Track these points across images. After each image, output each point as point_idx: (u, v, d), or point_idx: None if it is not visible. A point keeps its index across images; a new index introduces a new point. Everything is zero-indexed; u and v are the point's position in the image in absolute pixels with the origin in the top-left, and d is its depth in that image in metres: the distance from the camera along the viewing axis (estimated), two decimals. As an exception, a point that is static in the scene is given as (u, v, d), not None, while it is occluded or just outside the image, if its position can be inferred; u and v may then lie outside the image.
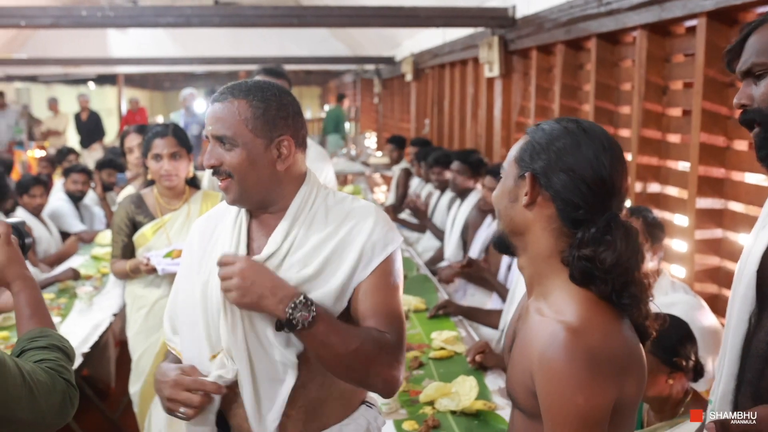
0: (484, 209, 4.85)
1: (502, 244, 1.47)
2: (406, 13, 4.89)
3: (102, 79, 18.53)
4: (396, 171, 7.73)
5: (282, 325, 1.54)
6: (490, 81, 6.08)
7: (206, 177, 3.42)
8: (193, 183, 3.21)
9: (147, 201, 3.14)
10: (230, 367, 1.61)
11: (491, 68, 5.64)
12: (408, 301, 3.70)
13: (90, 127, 12.83)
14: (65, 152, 6.95)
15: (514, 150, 1.43)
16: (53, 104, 12.91)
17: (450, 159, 5.29)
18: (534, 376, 1.32)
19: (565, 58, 4.58)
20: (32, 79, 16.65)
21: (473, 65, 6.78)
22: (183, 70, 16.33)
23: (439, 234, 5.63)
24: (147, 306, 3.09)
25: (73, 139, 13.45)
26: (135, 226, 3.11)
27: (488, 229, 4.71)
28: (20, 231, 1.70)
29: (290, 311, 1.51)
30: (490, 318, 3.58)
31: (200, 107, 11.69)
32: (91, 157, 12.78)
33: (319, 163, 3.33)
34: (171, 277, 3.00)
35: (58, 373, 1.44)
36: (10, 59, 11.58)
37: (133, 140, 3.85)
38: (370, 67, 13.17)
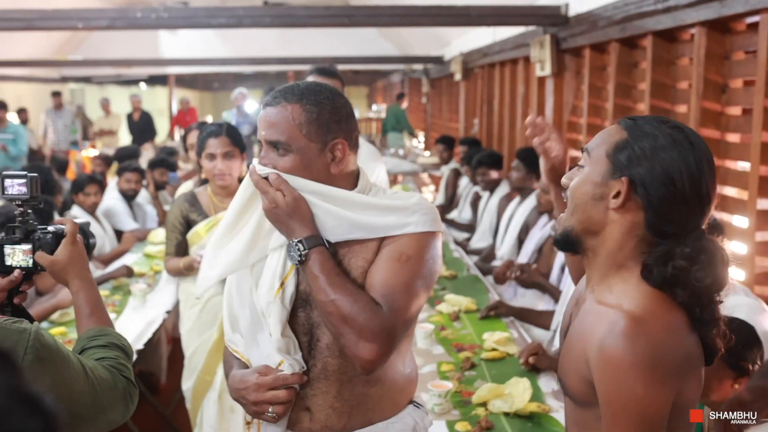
0: (540, 210, 4.78)
1: (567, 242, 1.40)
2: (457, 12, 4.86)
3: (153, 80, 18.85)
4: (445, 171, 7.71)
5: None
6: (541, 80, 6.02)
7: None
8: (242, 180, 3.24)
9: (201, 199, 3.17)
10: (297, 361, 1.61)
11: (542, 67, 5.57)
12: (459, 302, 3.68)
13: (142, 127, 13.06)
14: (129, 153, 7.06)
15: (606, 143, 1.36)
16: (105, 104, 13.18)
17: (494, 159, 5.26)
18: (591, 363, 1.29)
19: (620, 56, 4.50)
20: (86, 80, 17.02)
21: (524, 64, 6.72)
22: (232, 70, 16.52)
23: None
24: (200, 303, 3.12)
25: (125, 139, 13.72)
26: (189, 224, 3.15)
27: (542, 229, 4.66)
28: (85, 231, 1.74)
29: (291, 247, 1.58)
30: (541, 319, 3.54)
31: (251, 107, 11.82)
32: (142, 157, 13.02)
33: (372, 163, 3.33)
34: (224, 274, 3.03)
35: (119, 371, 1.46)
36: (67, 61, 11.85)
37: (196, 137, 3.89)
38: (418, 66, 13.16)
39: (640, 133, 1.32)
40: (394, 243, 1.60)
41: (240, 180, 3.19)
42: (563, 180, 1.44)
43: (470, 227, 6.26)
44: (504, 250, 5.05)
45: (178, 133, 15.35)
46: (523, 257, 4.53)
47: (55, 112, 12.24)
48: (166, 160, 6.44)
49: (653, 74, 4.04)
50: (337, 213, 1.61)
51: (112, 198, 5.78)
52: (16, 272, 1.63)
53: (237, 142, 3.11)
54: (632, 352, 1.23)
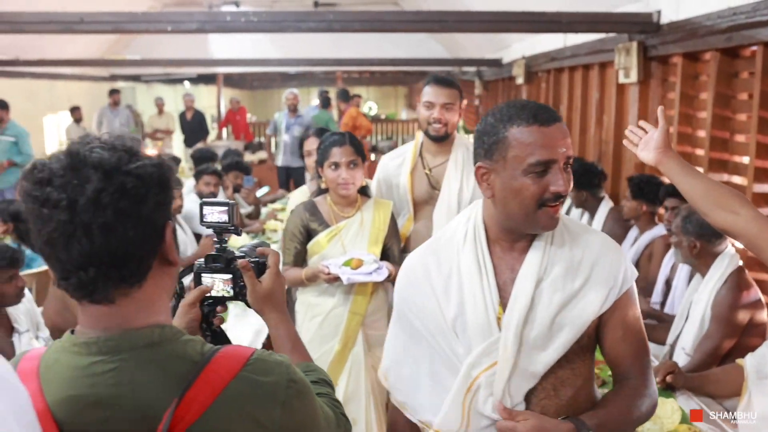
0: (625, 219, 4.70)
1: None
2: (549, 18, 4.80)
3: (199, 78, 18.98)
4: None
5: None
6: (622, 87, 5.94)
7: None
8: (364, 191, 3.22)
9: (321, 208, 3.16)
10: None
11: (627, 74, 5.48)
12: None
13: (194, 127, 13.14)
14: (207, 155, 7.06)
15: None
16: (160, 104, 13.26)
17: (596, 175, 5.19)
18: None
19: (720, 65, 4.41)
20: (135, 78, 17.18)
21: (599, 70, 6.63)
22: (281, 70, 16.58)
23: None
24: (322, 314, 3.10)
25: (177, 138, 13.83)
26: (309, 234, 3.13)
27: (633, 246, 4.59)
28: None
29: None
30: (657, 333, 3.48)
31: (302, 108, 11.82)
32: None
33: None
34: (346, 286, 3.02)
35: (335, 407, 1.43)
36: (122, 60, 11.95)
37: (312, 144, 3.90)
38: (470, 68, 13.09)
39: None
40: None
41: (361, 189, 3.17)
42: None
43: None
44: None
45: (225, 132, 15.47)
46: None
47: (111, 110, 12.35)
48: (240, 163, 6.46)
49: (762, 85, 3.96)
50: None
51: (190, 201, 5.79)
52: (208, 281, 1.61)
53: (360, 151, 3.09)
54: None
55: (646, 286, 4.27)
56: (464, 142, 3.36)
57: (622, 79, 5.63)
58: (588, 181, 5.12)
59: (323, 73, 17.07)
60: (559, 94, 8.07)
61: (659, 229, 4.45)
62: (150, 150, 11.09)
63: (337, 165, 3.04)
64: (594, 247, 1.71)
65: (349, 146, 3.06)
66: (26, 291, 3.28)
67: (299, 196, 3.88)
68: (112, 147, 1.16)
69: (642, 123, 2.23)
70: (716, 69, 4.43)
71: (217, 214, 1.62)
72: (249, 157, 14.01)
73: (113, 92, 12.43)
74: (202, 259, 1.64)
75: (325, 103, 12.80)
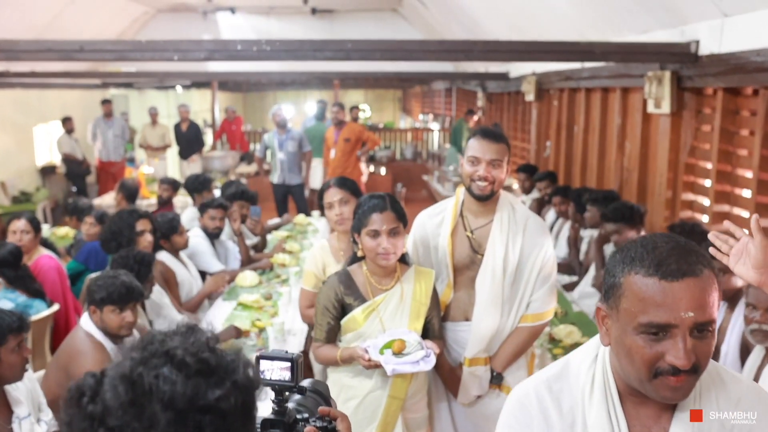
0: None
1: None
2: (581, 48, 4.51)
3: (191, 83, 18.56)
4: (527, 201, 7.34)
5: None
6: (650, 116, 5.66)
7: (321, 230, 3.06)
8: (403, 258, 2.91)
9: (356, 279, 2.84)
10: None
11: (658, 104, 5.20)
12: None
13: (190, 138, 12.77)
14: (203, 181, 6.68)
15: None
16: (154, 114, 12.86)
17: (633, 214, 4.80)
18: None
19: (768, 103, 4.13)
20: (127, 85, 16.75)
21: (621, 94, 6.35)
22: (276, 75, 16.20)
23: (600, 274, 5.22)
24: (358, 398, 2.79)
25: (172, 150, 13.44)
26: (344, 308, 2.82)
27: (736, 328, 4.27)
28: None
29: None
30: None
31: (291, 122, 11.45)
32: (190, 169, 12.71)
33: (539, 238, 2.99)
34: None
35: None
36: (119, 73, 11.56)
37: (334, 195, 3.49)
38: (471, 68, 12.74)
39: None
40: None
41: (402, 258, 2.86)
42: None
43: (570, 268, 5.90)
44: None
45: (220, 143, 15.10)
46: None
47: (105, 121, 11.94)
48: (245, 192, 6.12)
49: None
50: None
51: (195, 236, 5.46)
52: None
53: (401, 216, 2.79)
54: None
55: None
56: (509, 201, 3.06)
57: (651, 109, 5.35)
58: (624, 220, 4.77)
59: (318, 75, 16.71)
60: (573, 115, 7.78)
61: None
62: (148, 168, 10.73)
63: (376, 233, 2.73)
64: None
65: (391, 212, 2.75)
66: (28, 366, 2.95)
67: (319, 253, 3.53)
68: (185, 365, 0.85)
69: (728, 225, 1.89)
70: (766, 107, 4.15)
71: (278, 371, 1.36)
72: (245, 169, 13.67)
73: (105, 102, 12.02)
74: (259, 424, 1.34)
75: (320, 115, 12.46)
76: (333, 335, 2.86)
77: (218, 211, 5.47)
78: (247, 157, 14.40)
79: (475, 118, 12.09)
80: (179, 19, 14.32)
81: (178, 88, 18.80)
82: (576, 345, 3.98)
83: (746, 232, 1.80)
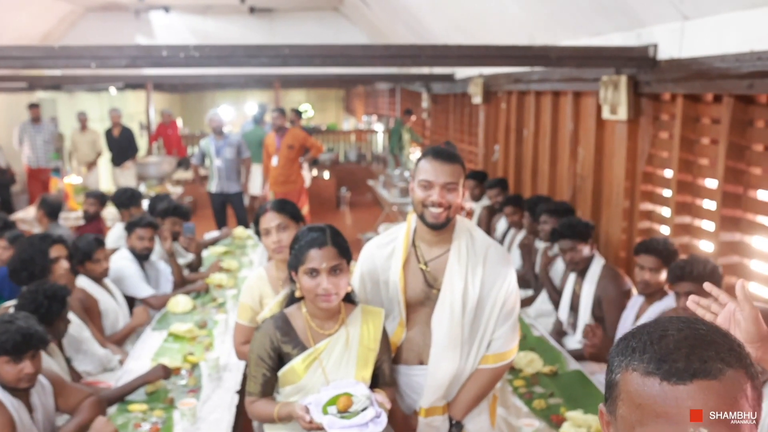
0: (642, 292, 4.03)
1: None
2: (534, 53, 4.22)
3: (127, 86, 17.86)
4: (477, 209, 7.06)
5: None
6: (604, 122, 5.41)
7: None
8: (349, 298, 2.55)
9: (294, 324, 2.48)
10: None
11: (614, 110, 4.95)
12: (587, 422, 3.05)
13: (123, 144, 12.18)
14: (131, 196, 6.17)
15: None
16: (83, 119, 12.21)
17: (585, 231, 4.48)
18: None
19: (734, 112, 3.90)
20: (55, 87, 15.98)
21: (573, 99, 6.10)
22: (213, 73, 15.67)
23: (555, 297, 4.95)
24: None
25: (103, 158, 12.80)
26: (281, 358, 2.46)
27: (635, 314, 4.04)
28: None
29: None
30: None
31: (231, 124, 10.98)
32: (123, 177, 12.13)
33: (502, 269, 2.68)
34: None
35: None
36: (44, 77, 10.91)
37: (272, 220, 3.07)
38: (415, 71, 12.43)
39: None
40: None
41: (347, 296, 2.51)
42: None
43: (525, 280, 5.62)
44: (581, 329, 4.43)
45: (156, 147, 14.49)
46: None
47: (33, 126, 11.31)
48: (178, 208, 5.68)
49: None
50: None
51: (122, 258, 5.01)
52: None
53: (344, 251, 2.43)
54: None
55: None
56: (467, 228, 2.73)
57: (607, 115, 5.09)
58: (578, 236, 4.51)
59: (258, 77, 16.22)
60: (522, 118, 7.53)
61: (669, 301, 3.88)
62: (77, 178, 10.12)
63: (315, 272, 2.37)
64: None
65: (332, 247, 2.39)
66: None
67: (256, 283, 3.15)
68: None
69: (709, 288, 1.60)
70: (730, 116, 3.92)
71: None
72: (182, 175, 13.11)
73: (33, 106, 11.36)
74: None
75: (260, 118, 12.01)
76: (269, 388, 2.49)
77: (147, 230, 5.02)
78: (184, 163, 13.80)
79: (413, 118, 11.79)
80: (109, 18, 13.71)
81: (112, 90, 18.06)
82: (538, 375, 3.68)
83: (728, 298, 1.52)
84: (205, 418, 3.21)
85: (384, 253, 2.75)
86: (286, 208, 3.13)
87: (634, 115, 4.86)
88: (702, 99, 4.33)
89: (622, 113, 4.86)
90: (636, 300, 4.10)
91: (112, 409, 3.29)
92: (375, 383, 2.56)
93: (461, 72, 9.56)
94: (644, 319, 3.98)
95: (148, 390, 3.49)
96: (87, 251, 4.39)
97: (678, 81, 4.28)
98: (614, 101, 4.89)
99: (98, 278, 4.51)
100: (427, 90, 12.01)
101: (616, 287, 4.38)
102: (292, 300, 2.55)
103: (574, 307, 4.63)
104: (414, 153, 12.59)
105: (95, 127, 13.02)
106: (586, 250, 4.43)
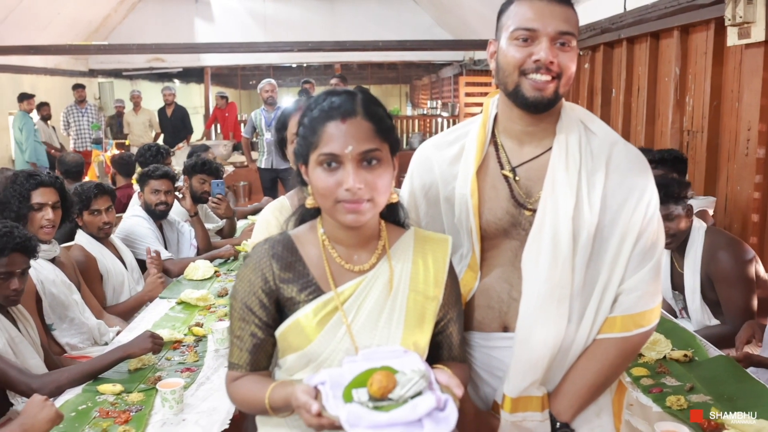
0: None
1: None
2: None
3: (187, 76, 17.42)
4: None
5: None
6: (725, 55, 4.39)
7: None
8: (394, 216, 1.60)
9: (304, 253, 1.53)
10: None
11: (745, 33, 3.90)
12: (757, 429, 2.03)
13: (175, 124, 11.55)
14: (156, 152, 5.37)
15: None
16: (135, 96, 11.59)
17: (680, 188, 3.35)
18: None
19: None
20: (115, 73, 15.58)
21: (679, 36, 5.06)
22: (272, 62, 14.97)
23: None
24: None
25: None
26: (280, 306, 1.51)
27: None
28: None
29: None
30: None
31: (283, 100, 10.20)
32: (176, 160, 11.45)
33: (636, 178, 1.68)
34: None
35: None
36: (90, 45, 10.34)
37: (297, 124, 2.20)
38: (482, 55, 11.39)
39: None
40: None
41: (388, 210, 1.56)
42: None
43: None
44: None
45: (213, 132, 13.83)
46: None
47: (78, 108, 10.81)
48: (207, 163, 4.80)
49: None
50: None
51: (133, 215, 4.18)
52: None
53: (387, 131, 1.46)
54: None
55: None
56: (578, 117, 1.73)
57: (734, 41, 4.04)
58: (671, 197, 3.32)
59: (319, 65, 15.43)
60: (609, 76, 6.55)
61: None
62: (115, 150, 9.48)
63: (336, 160, 1.41)
64: None
65: (365, 120, 1.44)
66: None
67: (274, 214, 2.28)
68: None
69: None
70: None
71: None
72: (239, 158, 12.36)
73: (77, 87, 10.87)
74: None
75: (305, 93, 11.20)
76: (263, 357, 1.54)
77: (162, 182, 4.17)
78: (241, 147, 13.09)
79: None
80: (168, 1, 13.22)
81: (175, 81, 17.62)
82: (666, 362, 2.65)
83: None
84: (195, 405, 2.29)
85: (447, 155, 1.78)
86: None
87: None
88: None
89: (759, 33, 3.81)
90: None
91: (75, 391, 2.42)
92: (435, 355, 1.60)
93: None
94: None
95: (132, 366, 2.61)
96: (84, 198, 3.56)
97: None
98: (747, 18, 3.83)
99: (100, 235, 3.66)
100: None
101: (730, 257, 3.23)
102: (302, 217, 1.60)
103: (677, 287, 3.51)
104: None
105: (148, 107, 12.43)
106: (683, 220, 3.29)
